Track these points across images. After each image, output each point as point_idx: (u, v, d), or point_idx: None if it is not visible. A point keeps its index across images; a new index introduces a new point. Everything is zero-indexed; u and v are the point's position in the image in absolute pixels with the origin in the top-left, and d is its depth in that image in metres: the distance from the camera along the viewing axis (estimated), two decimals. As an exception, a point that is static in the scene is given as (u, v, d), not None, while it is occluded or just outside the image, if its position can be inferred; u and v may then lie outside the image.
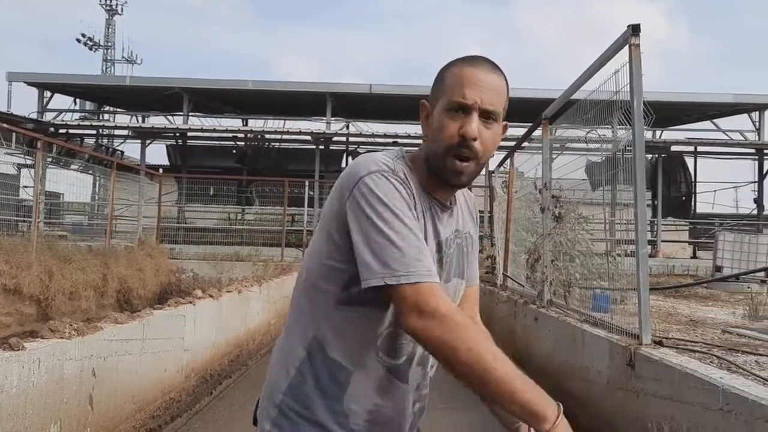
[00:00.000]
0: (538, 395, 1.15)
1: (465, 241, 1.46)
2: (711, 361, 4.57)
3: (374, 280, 1.16)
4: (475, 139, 1.26)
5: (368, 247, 1.18)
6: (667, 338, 5.48)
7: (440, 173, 1.31)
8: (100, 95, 22.32)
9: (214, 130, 19.92)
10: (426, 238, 1.28)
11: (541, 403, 1.14)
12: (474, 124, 1.26)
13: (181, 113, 19.98)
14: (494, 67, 1.32)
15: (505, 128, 1.37)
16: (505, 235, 8.24)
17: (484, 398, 1.44)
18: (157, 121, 21.60)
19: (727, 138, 18.79)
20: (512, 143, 8.40)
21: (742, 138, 18.60)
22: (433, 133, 1.32)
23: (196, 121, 21.04)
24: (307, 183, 16.59)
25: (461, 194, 1.50)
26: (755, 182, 18.74)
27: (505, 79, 1.33)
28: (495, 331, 7.94)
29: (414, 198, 1.27)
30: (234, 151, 22.38)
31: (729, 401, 2.27)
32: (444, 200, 1.37)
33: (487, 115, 1.28)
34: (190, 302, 5.17)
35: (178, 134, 20.92)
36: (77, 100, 22.98)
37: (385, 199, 1.20)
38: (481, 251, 14.04)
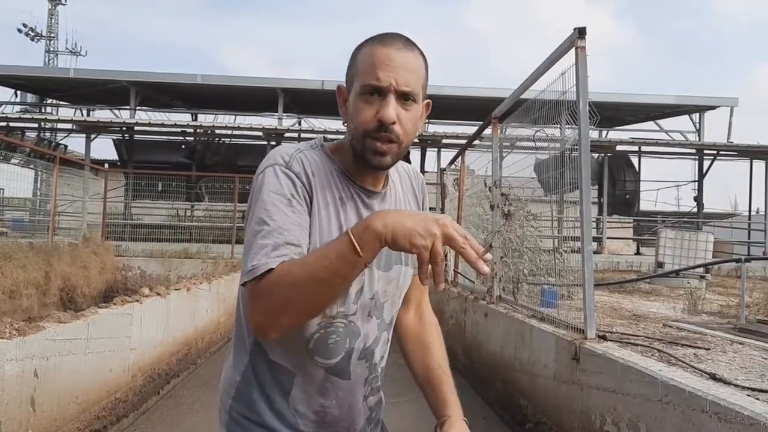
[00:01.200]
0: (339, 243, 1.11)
1: None
2: (652, 354, 4.72)
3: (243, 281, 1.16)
4: (393, 123, 1.20)
5: (244, 246, 1.18)
6: (611, 332, 5.65)
7: (362, 156, 1.24)
8: (43, 87, 21.59)
9: (163, 125, 19.49)
10: (343, 227, 1.22)
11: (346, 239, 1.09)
12: (391, 108, 1.19)
13: (128, 107, 19.46)
14: (409, 43, 1.24)
15: (427, 107, 1.32)
16: (455, 232, 8.31)
17: (416, 378, 1.59)
18: (102, 114, 21.01)
19: (670, 138, 19.42)
20: (463, 141, 8.49)
21: (683, 138, 19.25)
22: (351, 119, 1.26)
23: (143, 116, 20.56)
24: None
25: (400, 176, 1.45)
26: (695, 181, 19.43)
27: (423, 56, 1.26)
28: (446, 327, 8.04)
29: (310, 189, 1.22)
30: (183, 147, 21.94)
31: (668, 393, 2.36)
32: (373, 186, 1.32)
33: (404, 97, 1.21)
34: (137, 300, 5.06)
35: (124, 128, 20.38)
36: (18, 93, 22.17)
37: (266, 196, 1.18)
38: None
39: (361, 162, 1.25)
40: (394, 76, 1.19)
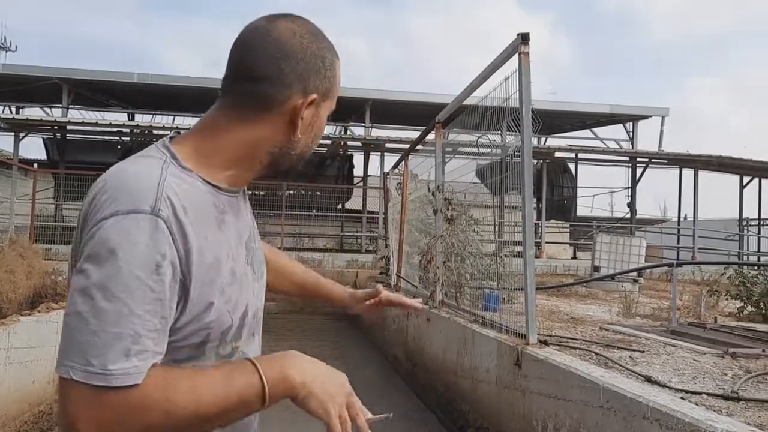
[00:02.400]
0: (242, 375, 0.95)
1: (254, 223, 1.24)
2: (590, 358, 4.80)
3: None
4: None
5: (78, 318, 0.88)
6: (550, 335, 5.73)
7: (289, 170, 1.15)
8: (-33, 82, 20.51)
9: (97, 124, 18.80)
10: (231, 253, 1.03)
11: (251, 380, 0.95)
12: None
13: (60, 105, 18.67)
14: None
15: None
16: (399, 237, 8.31)
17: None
18: (32, 112, 20.08)
19: (605, 146, 19.99)
20: (407, 146, 8.49)
21: (617, 146, 19.85)
22: (308, 133, 1.09)
23: (76, 114, 19.74)
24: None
25: None
26: (629, 188, 20.06)
27: None
28: (388, 332, 8.02)
29: (183, 235, 0.93)
30: (119, 147, 21.24)
31: (609, 399, 2.37)
32: (237, 186, 1.10)
33: None
34: (64, 307, 4.81)
35: (56, 127, 19.56)
36: (-61, 87, 20.98)
37: (124, 262, 0.87)
38: (375, 252, 14.15)
39: (276, 173, 1.13)
40: None
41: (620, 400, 2.31)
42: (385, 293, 1.55)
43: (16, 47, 53.63)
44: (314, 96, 1.05)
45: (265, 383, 0.94)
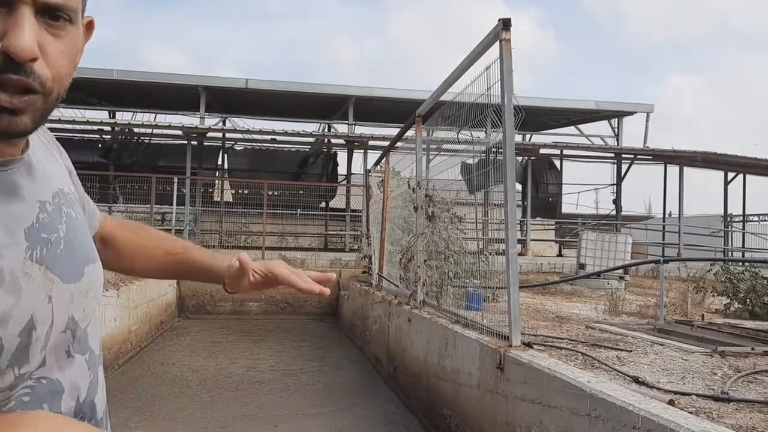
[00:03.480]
0: None
1: (69, 205, 0.92)
2: (576, 358, 4.66)
3: None
4: (34, 60, 0.72)
5: None
6: (535, 335, 5.58)
7: None
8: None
9: (75, 122, 18.45)
10: None
11: None
12: (27, 32, 0.71)
13: (38, 103, 18.28)
14: None
15: (89, 28, 0.87)
16: (380, 235, 8.13)
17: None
18: (9, 110, 19.64)
19: (590, 143, 19.93)
20: (387, 143, 8.32)
21: (603, 143, 19.80)
22: None
23: (55, 112, 19.35)
24: (175, 179, 15.75)
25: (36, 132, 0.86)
26: (614, 185, 20.02)
27: None
28: (369, 332, 7.84)
29: None
30: (100, 145, 20.89)
31: (597, 407, 2.21)
32: (5, 153, 0.80)
33: (53, 13, 0.74)
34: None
35: (33, 125, 19.18)
36: None
37: None
38: (359, 250, 13.96)
39: None
40: None
41: (609, 408, 2.15)
42: (280, 272, 1.15)
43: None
44: None
45: None
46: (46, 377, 0.79)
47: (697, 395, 3.73)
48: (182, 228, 15.20)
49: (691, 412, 3.29)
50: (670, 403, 3.18)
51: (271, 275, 1.17)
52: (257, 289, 1.20)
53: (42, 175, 0.86)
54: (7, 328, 0.72)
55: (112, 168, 18.94)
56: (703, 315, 7.33)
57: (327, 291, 1.17)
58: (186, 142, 18.11)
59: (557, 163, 21.13)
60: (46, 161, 0.90)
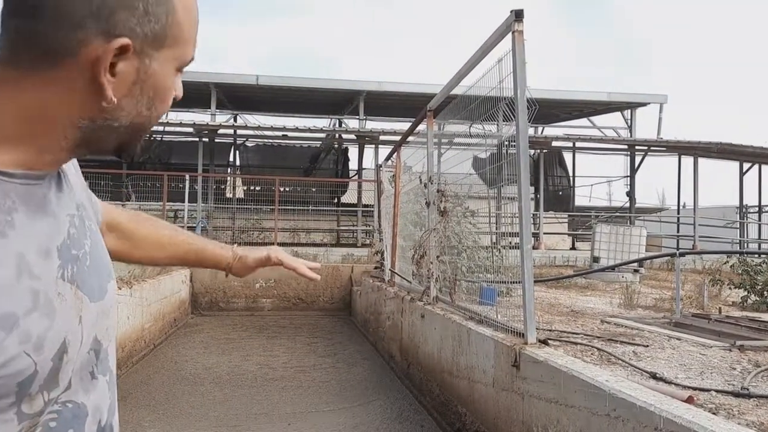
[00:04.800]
0: None
1: (89, 217, 0.89)
2: (592, 353, 4.60)
3: None
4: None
5: None
6: (551, 330, 5.53)
7: (121, 148, 0.81)
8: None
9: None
10: (26, 268, 0.71)
11: None
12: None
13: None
14: None
15: None
16: (392, 230, 8.09)
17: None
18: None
19: (602, 135, 19.77)
20: (398, 137, 8.27)
21: (615, 135, 19.62)
22: (146, 99, 0.77)
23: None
24: (187, 177, 15.80)
25: None
26: (627, 177, 19.86)
27: None
28: (383, 328, 7.81)
29: None
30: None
31: (616, 407, 2.15)
32: (37, 168, 0.76)
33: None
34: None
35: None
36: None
37: None
38: (371, 246, 13.94)
39: (102, 151, 0.81)
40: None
41: (629, 409, 2.09)
42: (282, 258, 1.36)
43: None
44: (125, 41, 0.71)
45: None
46: (71, 401, 0.77)
47: (717, 391, 3.67)
48: (194, 225, 15.24)
49: (710, 409, 3.24)
50: (690, 399, 3.12)
51: (276, 260, 1.36)
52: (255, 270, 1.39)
53: (68, 185, 0.84)
54: (42, 352, 0.70)
55: (124, 166, 19.02)
56: (720, 308, 7.23)
57: (318, 277, 1.42)
58: (198, 139, 18.16)
59: (569, 155, 20.99)
60: (67, 167, 0.86)
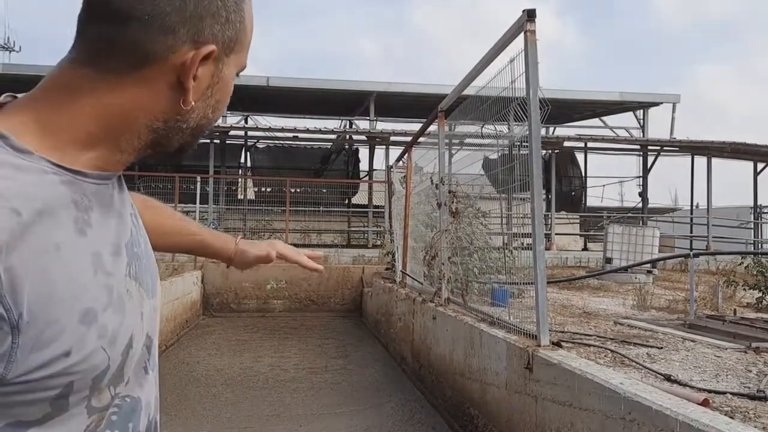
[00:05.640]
0: None
1: (137, 216, 0.91)
2: (606, 355, 4.57)
3: None
4: None
5: None
6: (563, 332, 5.49)
7: (176, 150, 0.82)
8: (-31, 83, 20.46)
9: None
10: (102, 265, 0.73)
11: None
12: None
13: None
14: None
15: None
16: (403, 231, 8.07)
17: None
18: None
19: (615, 135, 19.65)
20: (408, 138, 8.25)
21: (628, 135, 19.50)
22: (213, 102, 0.81)
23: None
24: (198, 178, 15.87)
25: None
26: (640, 177, 19.73)
27: None
28: (394, 329, 7.80)
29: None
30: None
31: (631, 410, 2.13)
32: (109, 170, 0.78)
33: None
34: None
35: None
36: (-58, 89, 20.97)
37: None
38: (382, 247, 13.92)
39: (155, 150, 0.81)
40: None
41: (644, 412, 2.06)
42: (284, 253, 1.39)
43: (20, 47, 53.79)
44: (212, 48, 0.74)
45: None
46: (129, 395, 0.79)
47: (732, 394, 3.63)
48: (206, 226, 15.29)
49: (726, 412, 3.20)
50: (705, 402, 3.08)
51: (279, 254, 1.38)
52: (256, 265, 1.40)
53: (125, 186, 0.87)
54: (115, 347, 0.73)
55: (136, 167, 19.12)
56: (734, 309, 7.16)
57: (321, 267, 1.45)
58: (209, 140, 18.22)
59: (581, 155, 20.88)
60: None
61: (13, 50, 44.60)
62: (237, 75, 0.82)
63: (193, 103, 0.77)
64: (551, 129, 20.77)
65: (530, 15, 3.14)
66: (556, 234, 17.80)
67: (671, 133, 18.78)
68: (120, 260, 0.77)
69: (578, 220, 20.66)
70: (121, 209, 0.82)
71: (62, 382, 0.68)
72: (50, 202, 0.69)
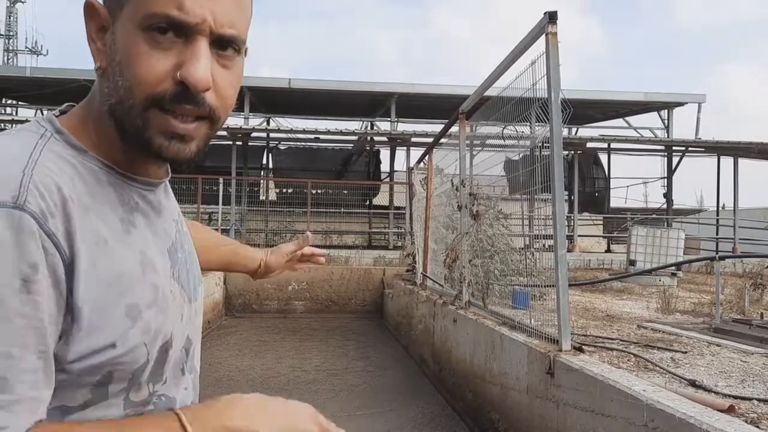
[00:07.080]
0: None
1: (183, 223, 0.93)
2: (629, 360, 4.51)
3: None
4: (207, 89, 0.72)
5: None
6: (586, 335, 5.44)
7: (141, 139, 0.73)
8: (-1, 87, 20.81)
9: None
10: (148, 264, 0.76)
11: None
12: (203, 62, 0.71)
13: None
14: None
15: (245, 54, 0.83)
16: (424, 233, 8.06)
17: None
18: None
19: (639, 135, 19.42)
20: (430, 139, 8.24)
21: (652, 135, 19.26)
22: (116, 69, 0.73)
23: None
24: (221, 180, 15.99)
25: None
26: (665, 178, 19.46)
27: None
28: (415, 332, 7.79)
29: (66, 234, 0.67)
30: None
31: (654, 417, 2.10)
32: (156, 175, 0.82)
33: (224, 44, 0.74)
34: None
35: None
36: (-28, 92, 21.36)
37: None
38: (403, 248, 13.91)
39: (139, 148, 0.74)
40: (211, 6, 0.70)
41: (668, 420, 2.03)
42: (285, 250, 1.44)
43: (47, 51, 54.73)
44: (93, 1, 0.75)
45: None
46: (165, 394, 0.81)
47: (759, 400, 3.56)
48: (228, 227, 15.41)
49: (752, 419, 3.14)
50: (731, 408, 3.03)
51: (284, 253, 1.43)
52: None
53: (171, 193, 0.91)
54: (156, 344, 0.76)
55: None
56: (762, 313, 7.02)
57: (322, 260, 1.50)
58: (231, 142, 18.34)
59: (604, 156, 20.67)
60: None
61: (41, 53, 45.56)
62: (151, 28, 0.70)
63: (102, 67, 0.75)
64: (574, 130, 20.58)
65: (552, 17, 3.12)
66: (578, 236, 17.63)
67: (696, 133, 18.49)
68: (164, 262, 0.80)
69: (601, 222, 20.43)
70: (166, 214, 0.85)
71: (103, 371, 0.71)
72: (99, 195, 0.73)
